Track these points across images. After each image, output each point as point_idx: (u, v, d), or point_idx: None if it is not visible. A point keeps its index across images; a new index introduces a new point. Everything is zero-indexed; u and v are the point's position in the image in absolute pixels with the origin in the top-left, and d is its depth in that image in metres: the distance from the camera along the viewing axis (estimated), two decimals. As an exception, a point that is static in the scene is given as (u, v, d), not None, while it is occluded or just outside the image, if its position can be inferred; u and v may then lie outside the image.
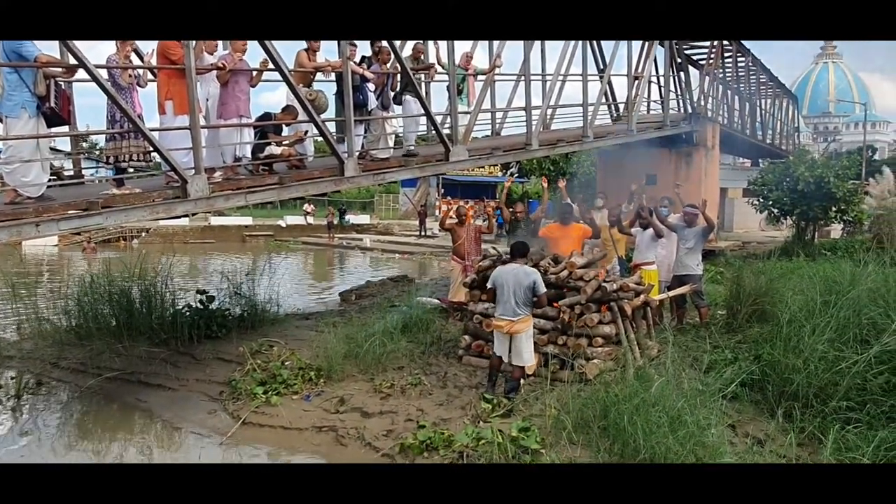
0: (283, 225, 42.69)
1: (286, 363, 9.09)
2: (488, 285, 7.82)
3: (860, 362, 6.77)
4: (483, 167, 36.71)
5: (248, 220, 42.22)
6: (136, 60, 8.23)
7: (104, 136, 8.29)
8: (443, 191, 44.55)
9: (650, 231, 10.47)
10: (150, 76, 8.69)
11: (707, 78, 21.87)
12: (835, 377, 6.81)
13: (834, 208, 19.94)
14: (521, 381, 7.91)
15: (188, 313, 10.68)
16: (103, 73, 7.42)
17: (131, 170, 8.37)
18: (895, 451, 5.77)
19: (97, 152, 15.10)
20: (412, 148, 11.81)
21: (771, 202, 20.66)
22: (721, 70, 24.74)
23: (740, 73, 27.05)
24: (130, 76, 7.90)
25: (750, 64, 26.70)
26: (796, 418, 6.43)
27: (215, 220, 40.28)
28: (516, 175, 35.39)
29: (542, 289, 7.54)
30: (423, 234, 36.29)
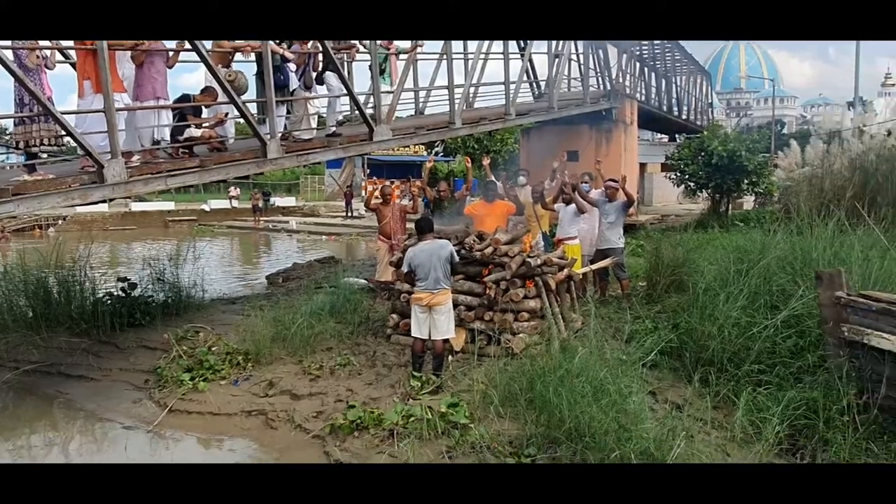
0: (208, 209, 41.80)
1: (213, 348, 8.99)
2: (404, 269, 7.86)
3: (770, 327, 7.11)
4: (408, 146, 36.65)
5: (170, 205, 41.18)
6: (44, 41, 7.93)
7: (12, 120, 7.97)
8: (368, 171, 44.28)
9: (572, 207, 10.70)
10: (59, 57, 8.38)
11: (625, 56, 22.30)
12: (747, 342, 7.13)
13: (746, 181, 20.75)
14: (449, 357, 8.02)
15: (109, 301, 10.41)
16: (9, 55, 7.13)
17: (44, 155, 8.09)
18: (802, 409, 6.11)
19: (6, 137, 14.51)
20: (335, 128, 11.74)
21: (687, 176, 21.35)
22: (638, 48, 25.25)
23: (656, 51, 27.67)
24: (38, 57, 7.61)
25: (665, 42, 27.32)
26: (712, 383, 6.71)
27: (136, 206, 39.18)
28: (441, 154, 35.41)
29: (457, 258, 7.80)
30: (349, 215, 36.07)
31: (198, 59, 8.70)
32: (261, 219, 36.69)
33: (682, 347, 7.64)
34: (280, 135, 9.96)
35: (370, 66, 11.45)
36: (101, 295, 10.63)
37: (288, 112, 10.62)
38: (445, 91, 13.94)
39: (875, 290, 6.80)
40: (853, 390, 6.15)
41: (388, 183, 14.76)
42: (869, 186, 14.48)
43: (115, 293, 10.63)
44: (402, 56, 13.35)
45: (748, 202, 26.17)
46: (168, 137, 9.00)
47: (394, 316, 9.11)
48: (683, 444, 5.64)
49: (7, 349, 9.49)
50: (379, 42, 11.74)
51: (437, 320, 7.62)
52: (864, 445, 5.94)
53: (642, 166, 31.76)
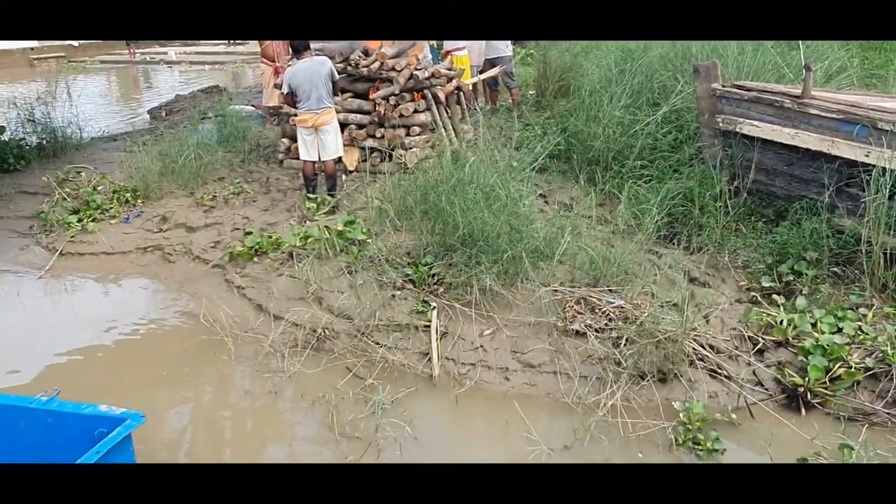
0: (76, 45, 38.70)
1: (98, 188, 8.66)
2: (284, 90, 7.61)
3: (651, 123, 7.35)
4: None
5: (33, 43, 37.87)
6: None
7: None
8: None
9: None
10: None
11: None
12: (630, 140, 7.37)
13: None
14: (342, 177, 8.00)
15: (-24, 149, 9.77)
16: None
17: None
18: (679, 199, 6.47)
19: None
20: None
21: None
22: None
23: None
24: None
25: None
26: (598, 181, 6.97)
27: (-7, 46, 35.89)
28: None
29: (337, 75, 7.60)
30: (231, 41, 34.13)
31: None
32: (136, 51, 34.34)
33: (569, 150, 7.83)
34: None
35: None
36: (-33, 141, 9.94)
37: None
38: None
39: (748, 80, 7.04)
40: (725, 177, 6.52)
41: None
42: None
43: (-18, 139, 9.96)
44: None
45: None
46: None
47: (284, 140, 8.91)
48: (571, 240, 5.94)
49: None
50: None
51: (324, 141, 7.51)
52: (735, 227, 6.39)
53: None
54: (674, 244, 6.51)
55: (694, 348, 5.15)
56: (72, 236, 7.87)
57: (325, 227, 6.75)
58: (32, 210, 8.57)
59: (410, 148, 8.15)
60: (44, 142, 10.38)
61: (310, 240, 6.67)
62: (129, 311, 6.63)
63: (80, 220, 8.05)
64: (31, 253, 7.89)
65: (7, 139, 10.05)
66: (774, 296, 5.67)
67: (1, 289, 7.35)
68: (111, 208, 8.27)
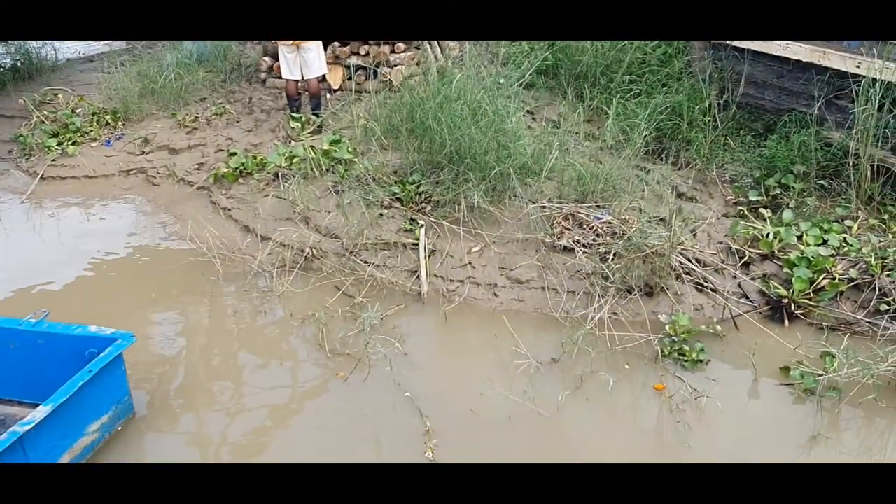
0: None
1: (77, 110, 8.47)
2: None
3: (641, 37, 7.20)
4: None
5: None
6: None
7: None
8: None
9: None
10: None
11: None
12: (619, 54, 7.24)
13: None
14: (327, 95, 7.86)
15: (-52, 71, 9.50)
16: None
17: None
18: (667, 114, 6.41)
19: None
20: None
21: None
22: None
23: None
24: None
25: None
26: (586, 96, 6.88)
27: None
28: None
29: None
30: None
31: None
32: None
33: (557, 66, 7.69)
34: None
35: None
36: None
37: None
38: None
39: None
40: (715, 91, 6.45)
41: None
42: None
43: (-48, 60, 9.67)
44: None
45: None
46: None
47: (266, 59, 8.70)
48: (558, 156, 5.90)
49: None
50: None
51: (307, 59, 7.34)
52: (723, 141, 6.36)
53: None
54: (662, 159, 6.48)
55: (680, 262, 5.19)
56: (52, 160, 7.73)
57: (311, 146, 6.66)
58: (10, 134, 8.39)
59: (396, 65, 7.98)
60: (18, 63, 10.07)
61: (295, 160, 6.59)
62: (115, 234, 6.58)
63: (59, 144, 7.90)
64: (12, 177, 7.76)
65: (-21, 61, 9.78)
66: (761, 209, 5.69)
67: (-16, 214, 7.27)
68: (91, 131, 8.12)
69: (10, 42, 10.16)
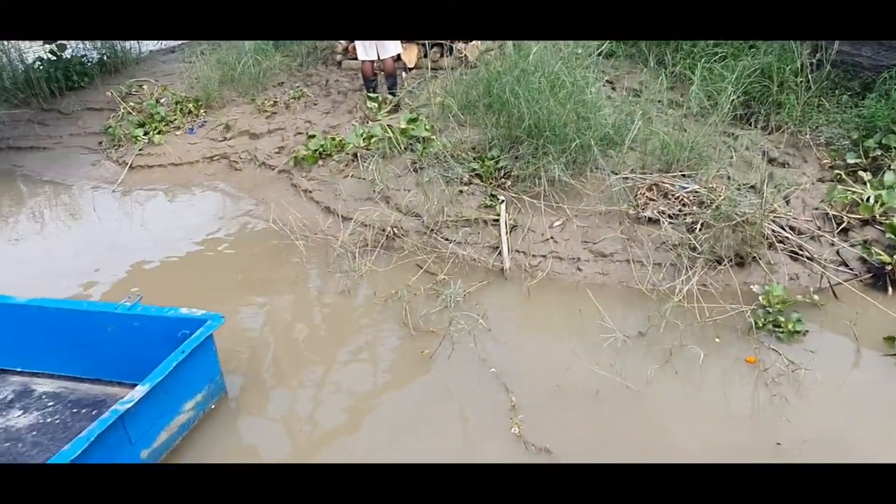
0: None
1: (161, 100, 8.70)
2: None
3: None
4: None
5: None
6: None
7: None
8: None
9: None
10: None
11: None
12: (703, 17, 6.96)
13: None
14: (403, 74, 7.84)
15: (41, 67, 9.85)
16: None
17: None
18: (756, 76, 6.13)
19: None
20: None
21: None
22: None
23: None
24: None
25: None
26: (668, 63, 6.64)
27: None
28: None
29: None
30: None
31: None
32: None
33: (637, 32, 7.45)
34: None
35: None
36: (30, 61, 10.04)
37: None
38: None
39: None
40: (807, 50, 6.13)
41: None
42: None
43: (45, 57, 10.04)
44: None
45: None
46: None
47: (341, 41, 8.74)
48: (641, 125, 5.72)
49: (-52, 132, 9.15)
50: None
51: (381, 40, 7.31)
52: (817, 102, 6.05)
53: None
54: (750, 124, 6.22)
55: (773, 230, 4.98)
56: (140, 149, 7.97)
57: (388, 126, 6.65)
58: (100, 126, 8.69)
59: (471, 41, 7.89)
60: (104, 57, 10.41)
61: (373, 140, 6.60)
62: (201, 219, 6.74)
63: (146, 133, 8.14)
64: (103, 168, 8.04)
65: (69, 56, 10.12)
66: (860, 172, 5.41)
67: (79, 204, 7.55)
68: (175, 120, 8.33)
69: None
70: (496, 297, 5.11)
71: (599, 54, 6.70)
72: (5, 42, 9.97)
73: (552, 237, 5.43)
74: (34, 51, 10.50)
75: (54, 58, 9.97)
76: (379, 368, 4.62)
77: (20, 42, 10.62)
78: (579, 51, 6.64)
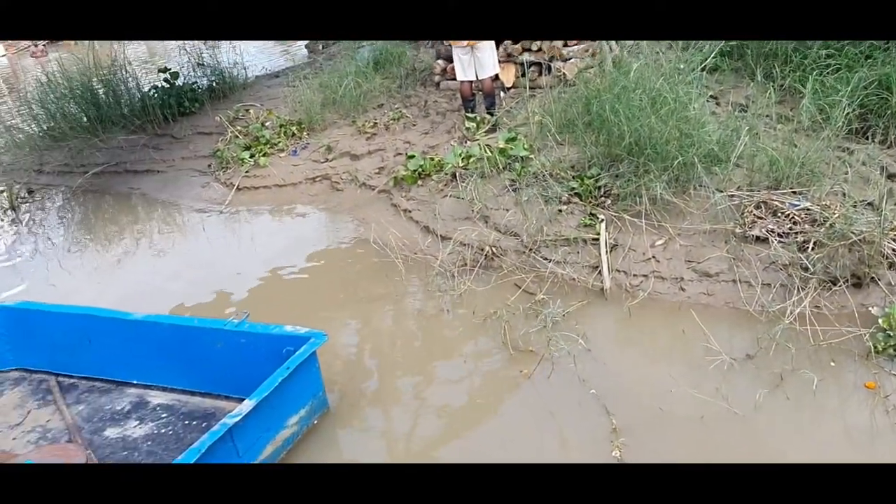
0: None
1: (266, 124, 9.00)
2: None
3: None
4: None
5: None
6: None
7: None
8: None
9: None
10: None
11: None
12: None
13: None
14: (501, 94, 7.85)
15: (156, 95, 10.38)
16: None
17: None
18: (873, 88, 5.85)
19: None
20: None
21: None
22: None
23: None
24: None
25: None
26: (776, 76, 6.42)
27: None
28: None
29: None
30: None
31: None
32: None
33: (742, 45, 7.24)
34: None
35: None
36: (146, 90, 10.60)
37: None
38: None
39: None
40: (929, 59, 5.82)
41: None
42: None
43: (160, 85, 10.57)
44: None
45: None
46: None
47: (439, 62, 8.84)
48: (748, 141, 5.54)
49: (72, 155, 9.72)
50: None
51: (480, 58, 7.34)
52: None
53: None
54: (867, 138, 5.93)
55: (894, 249, 4.70)
56: (246, 171, 8.27)
57: (487, 145, 6.67)
58: (209, 149, 9.06)
59: (569, 59, 7.84)
60: (213, 83, 10.89)
61: (472, 159, 6.63)
62: (304, 238, 6.92)
63: (252, 156, 8.43)
64: (212, 189, 8.37)
65: (181, 84, 10.62)
66: None
67: (189, 224, 7.89)
68: (279, 142, 8.60)
69: (206, 65, 10.99)
70: (596, 317, 5.03)
71: (703, 69, 6.54)
72: (125, 71, 10.57)
73: (654, 256, 5.30)
74: (150, 80, 11.07)
75: (168, 85, 10.49)
76: (477, 387, 4.61)
77: (137, 70, 11.23)
78: (681, 66, 6.51)
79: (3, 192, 9.44)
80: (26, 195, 9.46)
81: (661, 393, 4.20)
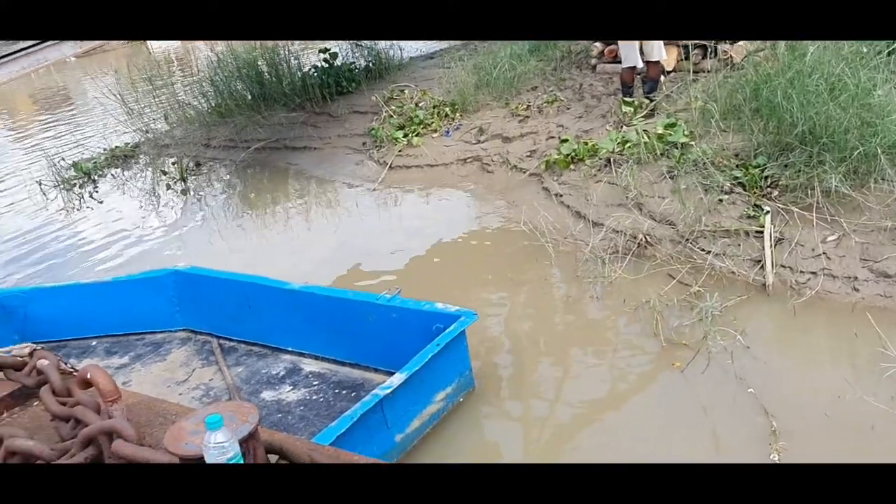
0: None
1: (420, 104, 9.13)
2: None
3: None
4: None
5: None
6: None
7: None
8: None
9: None
10: None
11: None
12: None
13: None
14: (661, 78, 7.57)
15: (315, 74, 10.74)
16: None
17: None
18: None
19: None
20: None
21: None
22: None
23: None
24: None
25: None
26: (977, 62, 5.84)
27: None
28: None
29: None
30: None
31: None
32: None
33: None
34: None
35: None
36: (307, 69, 10.99)
37: None
38: None
39: None
40: None
41: None
42: None
43: (320, 65, 10.93)
44: None
45: None
46: None
47: (597, 45, 8.63)
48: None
49: (237, 131, 10.22)
50: None
51: (647, 43, 7.07)
52: None
53: None
54: None
55: None
56: (399, 151, 8.41)
57: (644, 131, 6.45)
58: (364, 128, 9.28)
59: (737, 41, 7.44)
60: (370, 64, 11.15)
61: (628, 145, 6.43)
62: (454, 219, 6.96)
63: (405, 136, 8.57)
64: (366, 167, 8.58)
65: (339, 64, 10.94)
66: None
67: (343, 201, 8.13)
68: (432, 123, 8.68)
69: (363, 45, 11.27)
70: (757, 313, 4.76)
71: (889, 53, 6.03)
72: (287, 51, 11.00)
73: (825, 253, 4.95)
74: (310, 60, 11.47)
75: (327, 65, 10.82)
76: (625, 377, 4.48)
77: (299, 51, 11.67)
78: (864, 49, 6.03)
79: (175, 163, 10.07)
80: (194, 167, 10.05)
81: (827, 398, 3.92)
